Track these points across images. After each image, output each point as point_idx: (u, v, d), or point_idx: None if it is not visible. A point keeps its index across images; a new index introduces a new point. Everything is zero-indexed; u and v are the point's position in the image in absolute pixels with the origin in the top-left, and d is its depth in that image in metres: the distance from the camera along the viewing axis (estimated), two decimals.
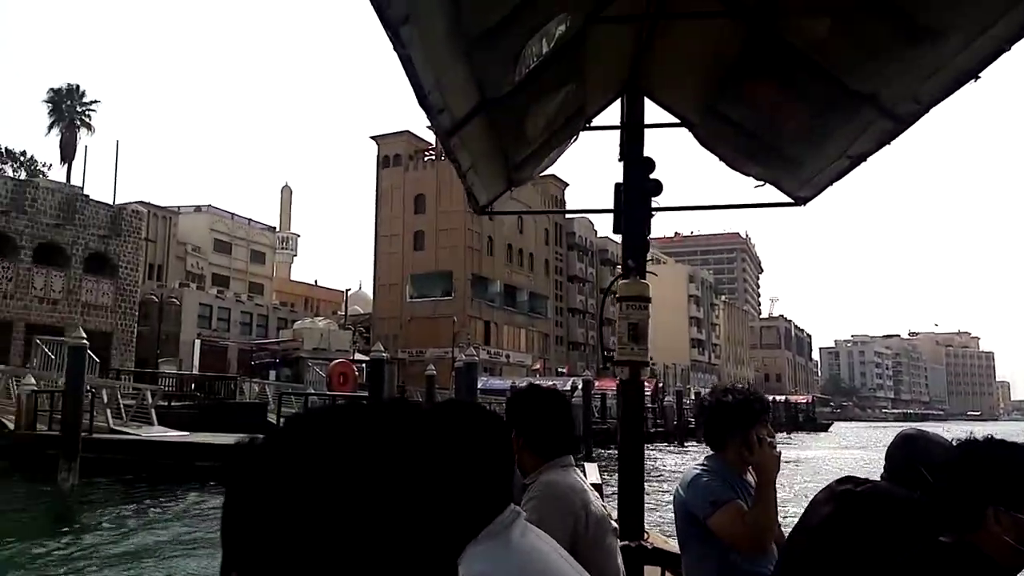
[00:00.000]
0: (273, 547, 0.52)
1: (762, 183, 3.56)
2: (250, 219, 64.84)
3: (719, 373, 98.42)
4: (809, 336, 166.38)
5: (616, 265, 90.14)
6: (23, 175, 39.25)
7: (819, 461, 30.06)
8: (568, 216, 72.59)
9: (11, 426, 21.65)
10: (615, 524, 2.30)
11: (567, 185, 70.59)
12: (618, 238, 3.70)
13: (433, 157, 57.54)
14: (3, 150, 43.70)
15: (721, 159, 3.69)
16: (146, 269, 48.67)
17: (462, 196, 4.24)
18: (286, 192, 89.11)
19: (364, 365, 26.23)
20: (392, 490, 0.53)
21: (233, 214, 63.48)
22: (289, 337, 42.33)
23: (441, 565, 0.55)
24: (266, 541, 0.52)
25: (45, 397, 20.73)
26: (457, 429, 0.95)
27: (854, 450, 39.26)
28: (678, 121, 3.79)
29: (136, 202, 45.64)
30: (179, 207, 59.30)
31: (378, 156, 62.10)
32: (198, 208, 61.58)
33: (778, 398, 71.51)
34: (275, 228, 71.01)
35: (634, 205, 3.48)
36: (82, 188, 41.45)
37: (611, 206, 3.58)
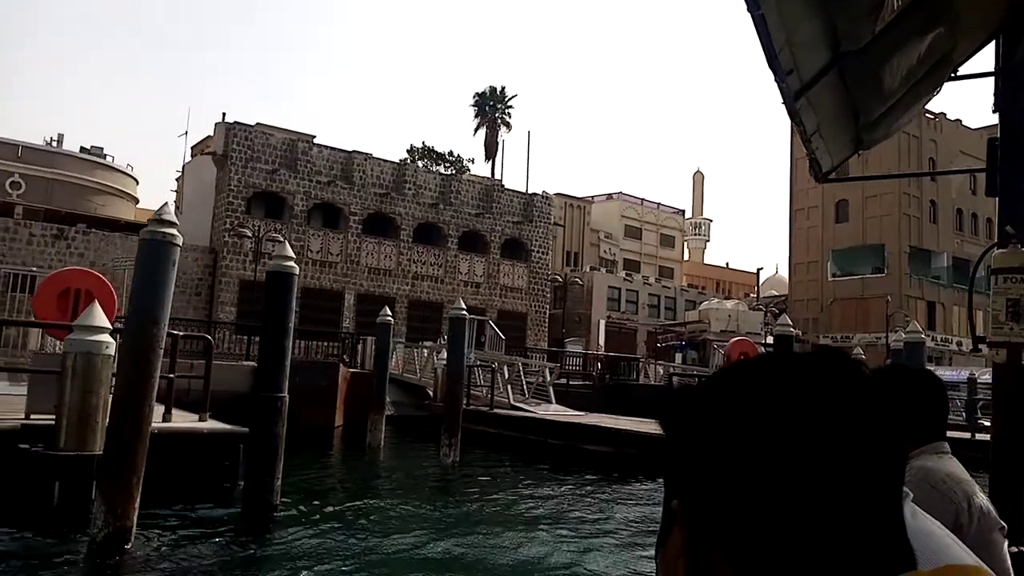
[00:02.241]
0: (714, 479, 0.56)
1: None
2: (659, 203, 64.66)
3: None
4: None
5: None
6: (452, 172, 43.62)
7: None
8: None
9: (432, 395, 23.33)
10: (1002, 522, 1.86)
11: None
12: None
13: None
14: (436, 152, 49.40)
15: None
16: (563, 256, 51.06)
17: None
18: (698, 177, 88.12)
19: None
20: (825, 440, 0.54)
21: (642, 199, 63.95)
22: (695, 319, 40.25)
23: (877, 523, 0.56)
24: (708, 473, 0.56)
25: None
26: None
27: None
28: None
29: (555, 194, 47.91)
30: (592, 196, 61.49)
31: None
32: (609, 196, 63.25)
33: None
34: (684, 212, 69.92)
35: (1015, 162, 3.17)
36: (500, 180, 44.74)
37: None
